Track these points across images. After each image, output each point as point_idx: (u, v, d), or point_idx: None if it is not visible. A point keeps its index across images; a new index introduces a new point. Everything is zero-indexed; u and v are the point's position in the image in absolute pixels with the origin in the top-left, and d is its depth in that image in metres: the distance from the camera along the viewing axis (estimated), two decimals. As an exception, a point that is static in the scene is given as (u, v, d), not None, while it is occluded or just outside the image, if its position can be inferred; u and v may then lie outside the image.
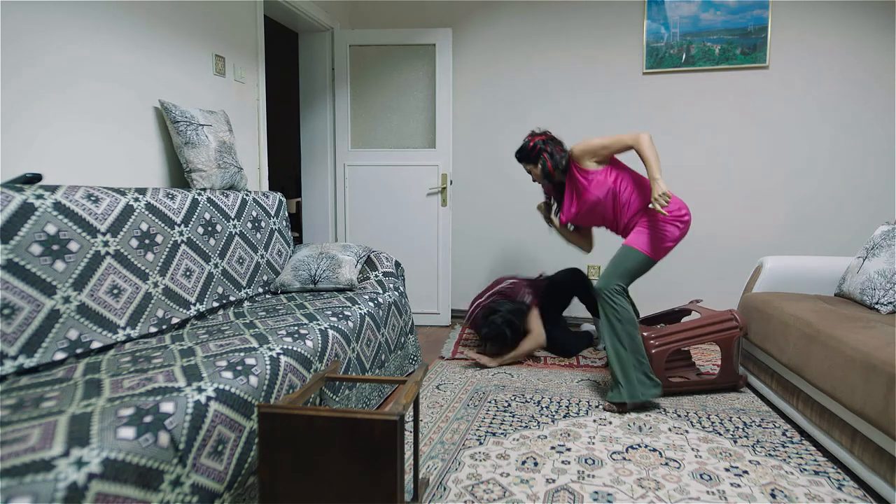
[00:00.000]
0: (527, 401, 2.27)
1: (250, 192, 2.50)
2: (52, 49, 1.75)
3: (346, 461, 1.11)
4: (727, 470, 1.69)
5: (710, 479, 1.64)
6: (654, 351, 2.27)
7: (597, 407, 2.21)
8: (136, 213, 1.79)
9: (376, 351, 2.21)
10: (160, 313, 1.80)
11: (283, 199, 2.76)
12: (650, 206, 2.18)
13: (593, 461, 1.75)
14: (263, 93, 2.95)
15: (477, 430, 1.98)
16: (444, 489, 1.57)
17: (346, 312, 2.05)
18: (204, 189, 2.22)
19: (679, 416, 2.12)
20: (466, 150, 3.73)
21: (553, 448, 1.84)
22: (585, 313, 3.33)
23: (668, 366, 2.37)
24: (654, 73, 3.39)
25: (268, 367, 1.44)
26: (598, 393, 2.37)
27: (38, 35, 1.71)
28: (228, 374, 1.32)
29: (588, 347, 3.10)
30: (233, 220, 2.30)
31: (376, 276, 2.67)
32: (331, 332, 1.83)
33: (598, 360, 2.88)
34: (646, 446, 1.85)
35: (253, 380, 1.36)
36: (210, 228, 2.14)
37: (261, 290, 2.41)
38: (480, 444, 1.87)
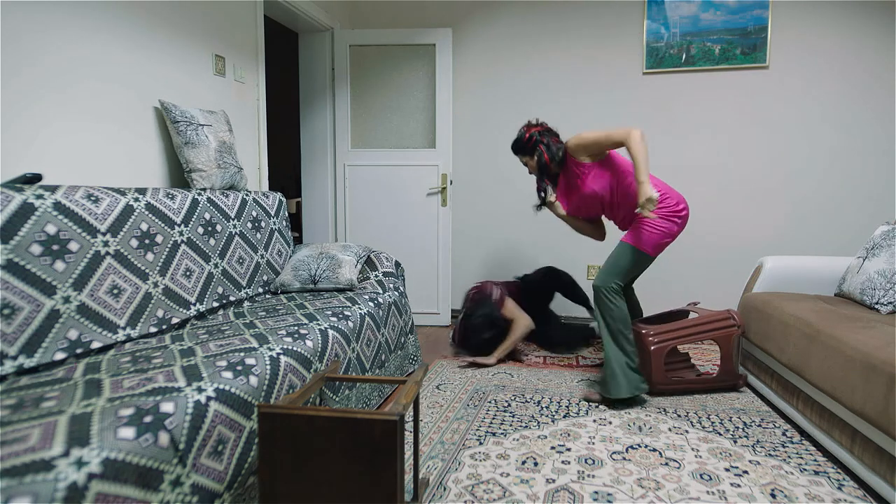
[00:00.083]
0: (527, 401, 2.27)
1: (250, 192, 2.50)
2: (52, 49, 1.75)
3: (346, 461, 1.11)
4: (727, 470, 1.69)
5: (710, 479, 1.64)
6: (652, 348, 2.28)
7: (597, 407, 2.21)
8: (136, 213, 1.79)
9: (376, 351, 2.21)
10: (160, 313, 1.80)
11: (283, 199, 2.76)
12: (637, 210, 2.15)
13: (593, 461, 1.75)
14: (263, 93, 2.95)
15: (477, 430, 1.98)
16: (444, 489, 1.57)
17: (346, 312, 2.05)
18: (204, 189, 2.22)
19: (679, 416, 2.12)
20: (466, 150, 3.73)
21: (553, 448, 1.84)
22: (582, 311, 3.33)
23: (668, 366, 2.37)
24: (654, 73, 3.39)
25: (268, 367, 1.44)
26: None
27: (38, 35, 1.71)
28: (228, 374, 1.32)
29: (584, 340, 3.11)
30: (233, 220, 2.30)
31: (376, 276, 2.67)
32: (331, 332, 1.83)
33: (598, 359, 2.88)
34: (646, 446, 1.85)
35: (253, 380, 1.36)
36: (210, 228, 2.14)
37: (261, 290, 2.41)
38: (480, 444, 1.87)
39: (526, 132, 2.44)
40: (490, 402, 2.26)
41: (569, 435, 1.94)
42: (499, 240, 3.76)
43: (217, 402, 1.22)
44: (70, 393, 1.15)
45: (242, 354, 1.45)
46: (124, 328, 1.65)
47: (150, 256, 1.81)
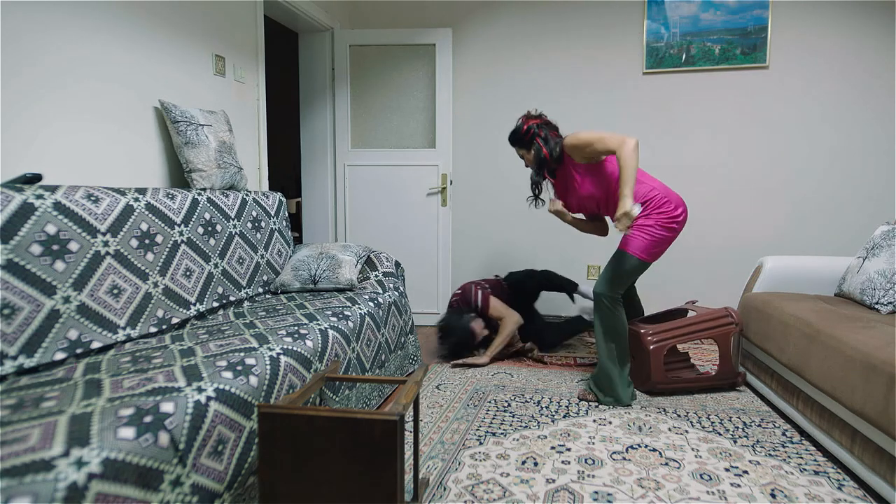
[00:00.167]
0: (527, 401, 2.27)
1: (250, 192, 2.50)
2: (52, 49, 1.75)
3: (346, 461, 1.11)
4: (727, 470, 1.69)
5: (710, 479, 1.64)
6: (651, 347, 2.28)
7: (596, 407, 2.21)
8: (136, 213, 1.79)
9: (376, 351, 2.21)
10: (160, 313, 1.80)
11: (283, 199, 2.76)
12: (614, 223, 2.10)
13: (593, 461, 1.75)
14: (263, 93, 2.95)
15: (477, 430, 1.98)
16: (444, 489, 1.57)
17: (346, 312, 2.05)
18: (204, 189, 2.22)
19: (679, 416, 2.12)
20: (466, 150, 3.73)
21: (553, 448, 1.84)
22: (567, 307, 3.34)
23: (668, 366, 2.37)
24: (654, 73, 3.39)
25: (268, 367, 1.45)
26: (598, 393, 2.38)
27: (38, 35, 1.71)
28: (228, 374, 1.32)
29: (574, 335, 3.13)
30: (233, 220, 2.30)
31: (376, 276, 2.67)
32: (331, 332, 1.83)
33: (594, 358, 2.88)
34: (646, 446, 1.85)
35: (253, 380, 1.36)
36: (210, 228, 2.15)
37: (261, 290, 2.41)
38: (480, 444, 1.87)
39: (524, 124, 2.36)
40: (490, 402, 2.26)
41: (569, 435, 1.94)
42: (499, 240, 3.76)
43: (217, 402, 1.22)
44: (70, 393, 1.15)
45: (242, 354, 1.45)
46: (124, 328, 1.65)
47: (150, 256, 1.81)
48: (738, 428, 2.00)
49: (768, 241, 3.32)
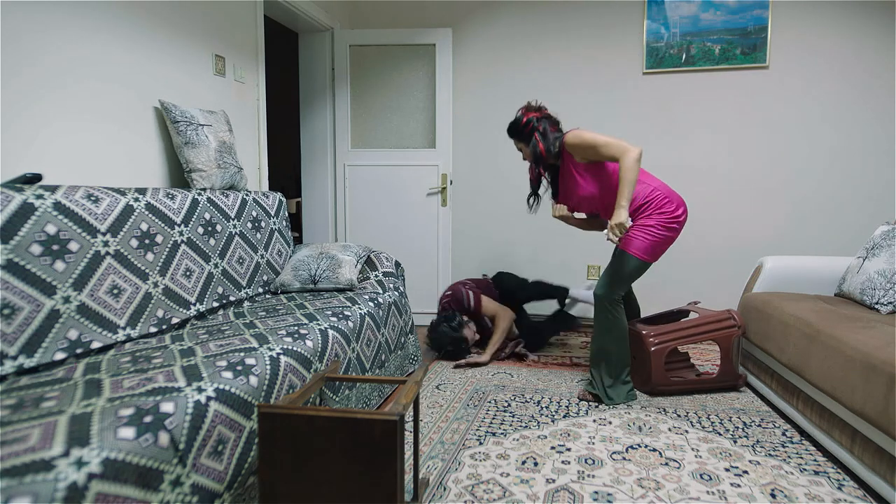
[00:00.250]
0: (527, 401, 2.27)
1: (250, 192, 2.50)
2: (52, 49, 1.75)
3: (346, 461, 1.11)
4: (727, 470, 1.69)
5: (710, 479, 1.64)
6: (652, 349, 2.28)
7: (596, 407, 2.21)
8: (136, 213, 1.79)
9: (376, 351, 2.21)
10: (160, 313, 1.80)
11: (283, 199, 2.76)
12: (604, 233, 2.10)
13: (593, 461, 1.75)
14: (263, 93, 2.95)
15: (477, 430, 1.98)
16: (444, 489, 1.57)
17: (346, 312, 2.05)
18: (204, 189, 2.22)
19: (679, 416, 2.12)
20: (466, 150, 3.73)
21: (553, 448, 1.84)
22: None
23: (668, 366, 2.37)
24: (654, 73, 3.39)
25: (268, 367, 1.45)
26: (598, 393, 2.38)
27: (38, 35, 1.71)
28: (228, 374, 1.32)
29: (558, 333, 3.15)
30: (233, 220, 2.30)
31: (376, 276, 2.67)
32: (331, 332, 1.83)
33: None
34: (646, 446, 1.85)
35: (253, 380, 1.36)
36: (210, 228, 2.15)
37: (261, 290, 2.41)
38: (480, 444, 1.87)
39: (524, 116, 2.31)
40: (490, 402, 2.26)
41: (569, 435, 1.94)
42: (499, 240, 3.76)
43: (217, 402, 1.22)
44: (70, 393, 1.15)
45: (242, 354, 1.45)
46: (124, 328, 1.65)
47: (150, 256, 1.81)
48: (738, 428, 2.00)
49: (768, 241, 3.32)
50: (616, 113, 3.46)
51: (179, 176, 2.31)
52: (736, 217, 3.37)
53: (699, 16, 3.27)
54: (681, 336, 2.32)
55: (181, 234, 1.98)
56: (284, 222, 2.71)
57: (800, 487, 1.59)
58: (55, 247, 1.50)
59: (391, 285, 2.62)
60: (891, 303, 2.01)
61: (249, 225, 2.41)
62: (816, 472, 1.68)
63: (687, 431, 1.97)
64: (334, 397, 1.80)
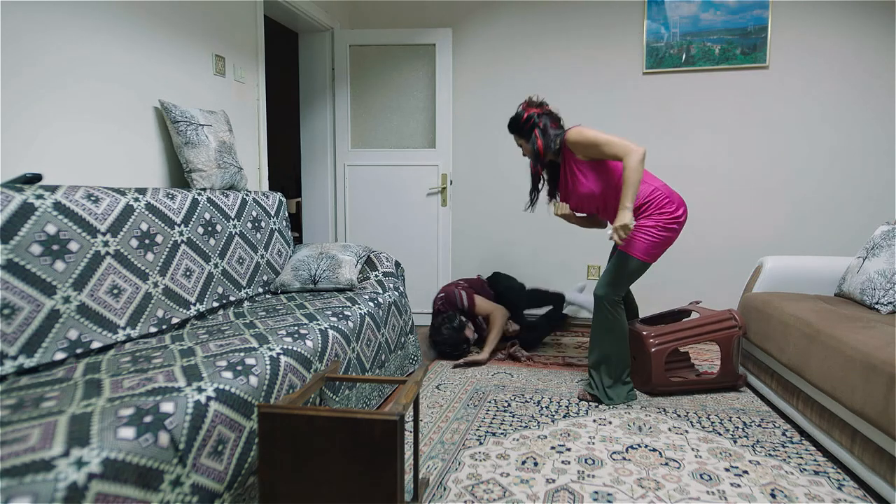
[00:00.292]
0: (527, 401, 2.27)
1: (250, 192, 2.51)
2: (52, 49, 1.75)
3: (346, 461, 1.11)
4: (727, 470, 1.69)
5: (710, 479, 1.64)
6: (653, 350, 2.28)
7: (596, 407, 2.21)
8: (136, 213, 1.79)
9: (376, 351, 2.21)
10: (160, 313, 1.80)
11: (283, 199, 2.76)
12: (607, 233, 2.10)
13: (593, 461, 1.75)
14: (263, 93, 2.95)
15: (477, 430, 1.98)
16: (444, 489, 1.57)
17: (346, 312, 2.05)
18: (204, 189, 2.22)
19: (679, 416, 2.12)
20: (466, 150, 3.73)
21: (553, 448, 1.84)
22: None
23: (668, 366, 2.37)
24: (654, 73, 3.39)
25: (268, 367, 1.45)
26: (598, 393, 2.38)
27: (38, 35, 1.71)
28: (228, 374, 1.32)
29: (551, 332, 3.17)
30: (233, 220, 2.30)
31: (376, 276, 2.67)
32: (331, 332, 1.83)
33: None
34: (646, 446, 1.85)
35: (253, 380, 1.36)
36: (210, 228, 2.15)
37: (261, 290, 2.41)
38: (480, 444, 1.87)
39: (524, 111, 2.29)
40: (490, 402, 2.26)
41: (569, 435, 1.94)
42: (499, 240, 3.76)
43: (217, 402, 1.22)
44: (70, 393, 1.15)
45: (242, 354, 1.45)
46: (124, 328, 1.65)
47: (150, 256, 1.81)
48: (738, 428, 2.00)
49: (768, 241, 3.32)
50: (616, 113, 3.46)
51: (179, 176, 2.31)
52: (736, 217, 3.37)
53: (699, 16, 3.27)
54: (681, 337, 2.32)
55: (181, 234, 1.98)
56: (284, 222, 2.71)
57: (800, 487, 1.59)
58: (55, 247, 1.50)
59: (391, 285, 2.62)
60: (891, 303, 2.01)
61: (249, 225, 2.41)
62: (816, 472, 1.68)
63: (687, 431, 1.97)
64: (334, 397, 1.80)
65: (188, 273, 1.97)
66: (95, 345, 1.54)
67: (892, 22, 3.07)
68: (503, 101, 3.63)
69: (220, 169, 2.29)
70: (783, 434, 1.96)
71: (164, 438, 1.06)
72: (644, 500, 1.52)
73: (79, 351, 1.49)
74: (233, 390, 1.28)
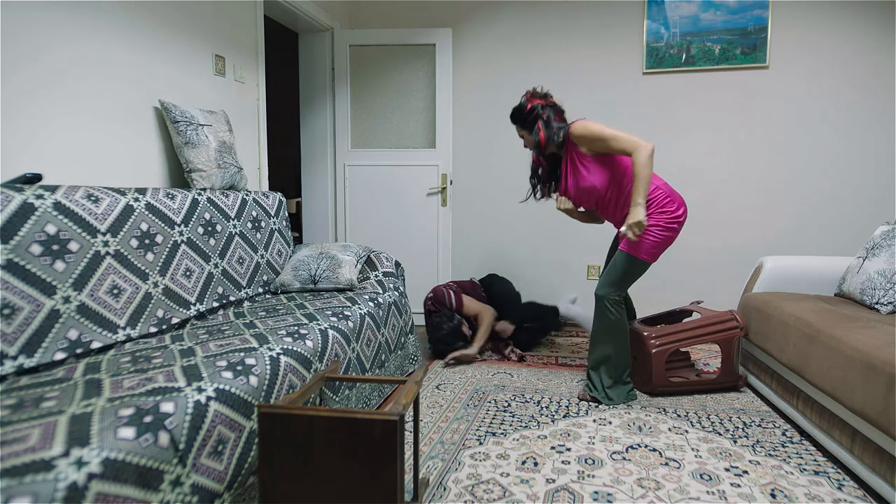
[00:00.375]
0: (527, 401, 2.27)
1: (250, 192, 2.50)
2: (53, 48, 1.75)
3: (346, 461, 1.11)
4: (727, 470, 1.69)
5: (710, 479, 1.64)
6: (654, 351, 2.28)
7: (596, 407, 2.21)
8: (136, 213, 1.79)
9: (376, 351, 2.21)
10: (160, 313, 1.80)
11: (283, 199, 2.76)
12: (621, 230, 2.09)
13: (593, 461, 1.75)
14: (263, 93, 2.95)
15: (477, 430, 1.98)
16: (444, 489, 1.57)
17: (346, 312, 2.05)
18: (204, 189, 2.22)
19: (679, 416, 2.12)
20: (466, 150, 3.73)
21: (553, 448, 1.84)
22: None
23: (668, 366, 2.37)
24: (654, 73, 3.39)
25: (268, 367, 1.44)
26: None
27: (38, 34, 1.71)
28: (228, 374, 1.32)
29: (547, 334, 3.19)
30: (233, 220, 2.30)
31: (376, 276, 2.67)
32: (331, 332, 1.83)
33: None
34: (646, 446, 1.85)
35: (253, 380, 1.36)
36: (210, 228, 2.14)
37: (261, 290, 2.40)
38: (480, 444, 1.87)
39: (528, 102, 2.27)
40: (490, 402, 2.26)
41: (569, 435, 1.94)
42: (499, 240, 3.76)
43: (217, 402, 1.22)
44: (70, 393, 1.15)
45: (242, 354, 1.45)
46: (124, 328, 1.65)
47: (150, 256, 1.81)
48: (738, 428, 2.00)
49: (768, 241, 3.32)
50: (616, 113, 3.46)
51: (179, 176, 2.31)
52: (736, 217, 3.37)
53: (699, 16, 3.27)
54: (682, 337, 2.32)
55: (181, 234, 1.98)
56: (284, 222, 2.71)
57: (800, 487, 1.59)
58: (55, 247, 1.50)
59: (391, 285, 2.62)
60: (891, 303, 2.01)
61: (249, 225, 2.41)
62: (816, 472, 1.68)
63: (687, 431, 1.97)
64: (334, 397, 1.80)
65: (188, 273, 1.97)
66: (95, 345, 1.54)
67: (892, 22, 3.07)
68: (503, 101, 3.63)
69: (220, 169, 2.29)
70: (783, 434, 1.96)
71: (164, 438, 1.06)
72: (644, 500, 1.52)
73: (79, 351, 1.49)
74: (233, 390, 1.28)
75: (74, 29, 1.83)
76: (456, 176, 3.72)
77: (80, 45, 1.85)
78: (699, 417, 2.10)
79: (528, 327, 3.11)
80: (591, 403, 2.24)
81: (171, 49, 2.26)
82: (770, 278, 2.50)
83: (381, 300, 2.37)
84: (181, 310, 1.89)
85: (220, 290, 2.12)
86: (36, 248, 1.45)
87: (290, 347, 1.58)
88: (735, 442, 1.89)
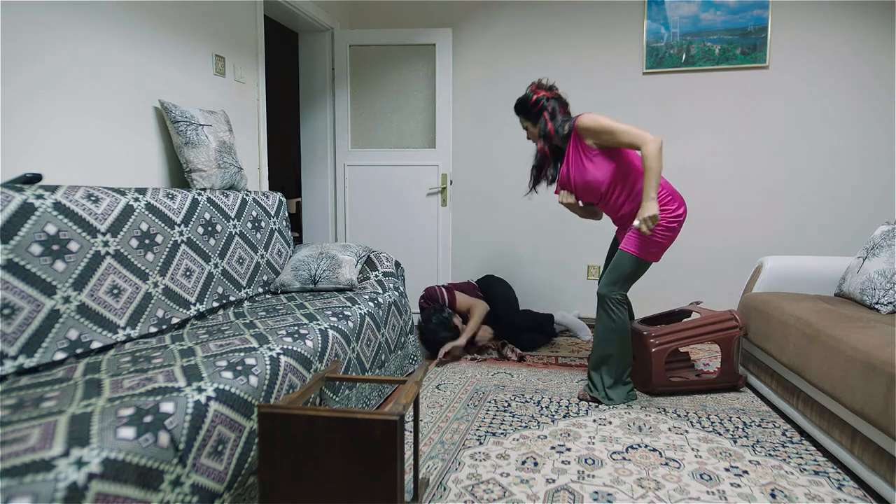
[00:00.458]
0: (527, 401, 2.27)
1: (250, 192, 2.50)
2: (52, 48, 1.75)
3: (346, 461, 1.11)
4: (727, 470, 1.69)
5: (710, 479, 1.64)
6: (654, 350, 2.28)
7: (596, 407, 2.21)
8: (136, 213, 1.79)
9: (376, 351, 2.21)
10: (160, 313, 1.80)
11: (283, 199, 2.76)
12: (634, 224, 2.07)
13: (593, 461, 1.75)
14: (263, 93, 2.95)
15: (477, 430, 1.98)
16: (444, 489, 1.57)
17: (346, 312, 2.05)
18: (204, 189, 2.22)
19: (679, 416, 2.12)
20: (466, 150, 3.73)
21: (553, 448, 1.84)
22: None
23: (668, 366, 2.37)
24: (654, 73, 3.39)
25: (268, 367, 1.44)
26: (598, 393, 2.38)
27: (38, 34, 1.71)
28: (228, 374, 1.32)
29: (548, 339, 3.20)
30: (233, 220, 2.30)
31: (376, 276, 2.67)
32: (331, 332, 1.83)
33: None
34: (646, 446, 1.85)
35: (253, 380, 1.36)
36: (210, 228, 2.14)
37: (261, 290, 2.40)
38: (480, 444, 1.87)
39: (533, 94, 2.26)
40: (490, 402, 2.26)
41: (569, 435, 1.94)
42: (499, 240, 3.76)
43: (217, 402, 1.22)
44: (70, 393, 1.15)
45: (242, 354, 1.45)
46: (124, 328, 1.65)
47: (150, 256, 1.81)
48: (738, 428, 2.00)
49: (768, 241, 3.32)
50: (616, 113, 3.40)
51: (179, 176, 2.31)
52: (736, 217, 3.37)
53: (699, 16, 3.27)
54: (682, 337, 2.32)
55: (181, 234, 1.98)
56: (284, 222, 2.71)
57: (800, 487, 1.59)
58: (55, 247, 1.50)
59: (391, 285, 2.62)
60: (891, 303, 2.01)
61: (249, 225, 2.41)
62: (816, 472, 1.68)
63: (687, 431, 1.97)
64: (334, 397, 1.80)
65: (188, 273, 1.97)
66: (95, 345, 1.54)
67: (892, 22, 3.07)
68: (503, 101, 3.63)
69: (220, 169, 2.29)
70: (783, 434, 1.96)
71: (164, 438, 1.06)
72: (644, 500, 1.52)
73: (79, 351, 1.49)
74: (233, 390, 1.28)
75: (74, 29, 1.83)
76: (456, 176, 3.72)
77: (80, 45, 1.85)
78: (699, 417, 2.10)
79: (527, 327, 3.11)
80: (591, 403, 2.24)
81: (171, 49, 2.27)
82: (770, 278, 2.50)
83: (381, 300, 2.37)
84: (181, 310, 1.89)
85: (220, 290, 2.12)
86: (36, 248, 1.45)
87: (290, 347, 1.58)
88: (735, 442, 1.89)
